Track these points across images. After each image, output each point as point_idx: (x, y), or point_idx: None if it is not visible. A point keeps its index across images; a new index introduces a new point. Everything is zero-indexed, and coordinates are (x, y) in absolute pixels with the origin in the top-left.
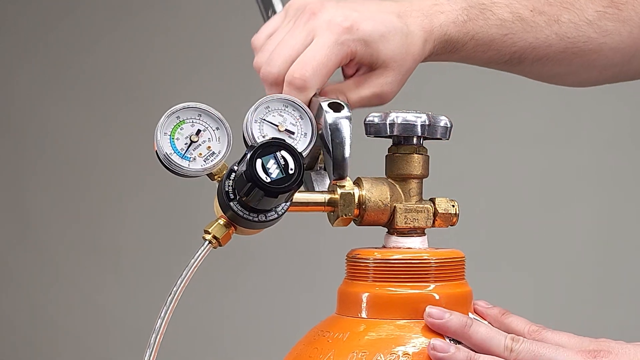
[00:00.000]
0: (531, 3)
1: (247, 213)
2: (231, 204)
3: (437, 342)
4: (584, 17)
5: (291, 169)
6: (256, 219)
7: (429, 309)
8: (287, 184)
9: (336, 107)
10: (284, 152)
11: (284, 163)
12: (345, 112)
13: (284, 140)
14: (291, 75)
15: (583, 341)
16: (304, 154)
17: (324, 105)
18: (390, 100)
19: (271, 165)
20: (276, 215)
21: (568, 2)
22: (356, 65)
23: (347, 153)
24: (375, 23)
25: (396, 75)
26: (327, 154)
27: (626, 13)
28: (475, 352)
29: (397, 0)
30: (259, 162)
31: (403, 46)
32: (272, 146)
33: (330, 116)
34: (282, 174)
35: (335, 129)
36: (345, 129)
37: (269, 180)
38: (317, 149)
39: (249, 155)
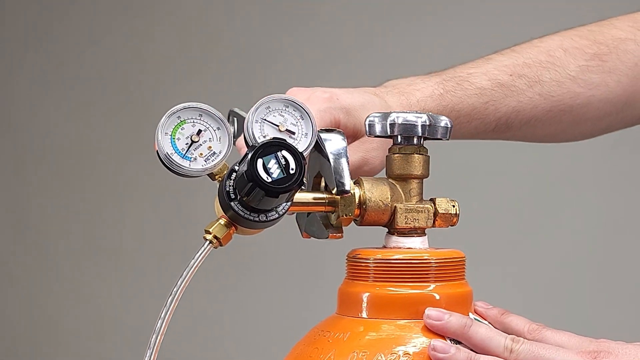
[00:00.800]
0: (509, 68)
1: (248, 213)
2: (232, 203)
3: (438, 342)
4: (566, 74)
5: (292, 169)
6: (257, 219)
7: (428, 311)
8: (288, 184)
9: (329, 130)
10: (284, 152)
11: (284, 163)
12: (337, 132)
13: (285, 140)
14: None
15: (583, 341)
16: (304, 154)
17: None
18: (379, 171)
19: (272, 165)
20: (277, 215)
21: (548, 62)
22: None
23: (344, 164)
24: (353, 96)
25: (380, 143)
26: (328, 169)
27: (611, 63)
28: (476, 352)
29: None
30: (259, 161)
31: None
32: (273, 146)
33: (323, 134)
34: (283, 174)
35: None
36: (340, 143)
37: (270, 180)
38: (318, 182)
39: (249, 155)
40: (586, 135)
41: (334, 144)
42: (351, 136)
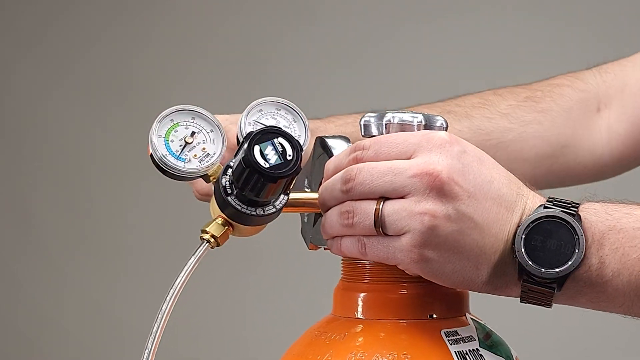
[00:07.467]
0: (440, 107)
1: (246, 207)
2: (229, 198)
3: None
4: (496, 111)
5: (289, 155)
6: (254, 213)
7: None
8: (285, 169)
9: (334, 136)
10: (281, 139)
11: (281, 149)
12: (342, 138)
13: (281, 128)
14: None
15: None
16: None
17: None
18: None
19: (269, 151)
20: (274, 210)
21: (479, 102)
22: None
23: None
24: None
25: None
26: None
27: (545, 104)
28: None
29: None
30: (256, 148)
31: None
32: (270, 133)
33: (328, 140)
34: (281, 160)
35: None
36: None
37: (267, 165)
38: None
39: (247, 143)
40: (526, 178)
41: (338, 151)
42: None
